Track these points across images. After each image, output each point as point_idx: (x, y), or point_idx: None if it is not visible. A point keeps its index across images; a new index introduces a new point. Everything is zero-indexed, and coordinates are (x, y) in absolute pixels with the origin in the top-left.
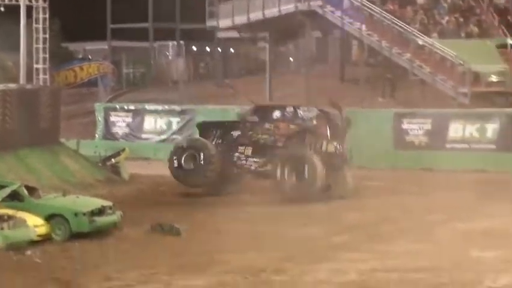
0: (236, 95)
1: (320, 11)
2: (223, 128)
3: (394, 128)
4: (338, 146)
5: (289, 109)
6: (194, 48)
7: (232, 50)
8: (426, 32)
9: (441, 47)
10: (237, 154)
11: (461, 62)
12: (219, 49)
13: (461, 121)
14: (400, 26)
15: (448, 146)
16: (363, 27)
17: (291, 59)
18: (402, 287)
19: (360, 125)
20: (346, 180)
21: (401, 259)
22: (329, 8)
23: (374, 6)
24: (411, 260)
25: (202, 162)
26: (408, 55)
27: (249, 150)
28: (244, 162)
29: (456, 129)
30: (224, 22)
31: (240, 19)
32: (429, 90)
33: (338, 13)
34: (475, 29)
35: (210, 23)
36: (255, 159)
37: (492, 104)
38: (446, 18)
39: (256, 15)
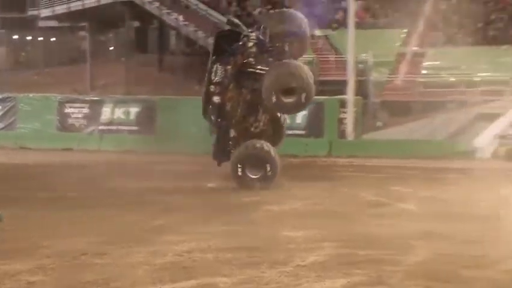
0: (56, 83)
1: (138, 1)
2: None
3: None
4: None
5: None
6: (15, 36)
7: (54, 39)
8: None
9: None
10: (252, 129)
11: None
12: (40, 38)
13: None
14: (215, 17)
15: None
16: (181, 17)
17: (111, 48)
18: (217, 266)
19: (181, 111)
20: None
21: (216, 240)
22: None
23: None
24: (226, 240)
25: (270, 173)
26: None
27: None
28: (256, 129)
29: None
30: (45, 11)
31: (61, 8)
32: None
33: (156, 4)
34: None
35: (31, 12)
36: (256, 119)
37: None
38: (259, 9)
39: (76, 5)
